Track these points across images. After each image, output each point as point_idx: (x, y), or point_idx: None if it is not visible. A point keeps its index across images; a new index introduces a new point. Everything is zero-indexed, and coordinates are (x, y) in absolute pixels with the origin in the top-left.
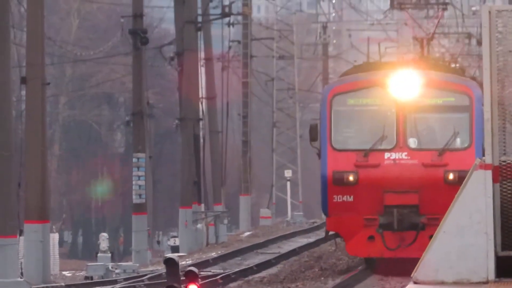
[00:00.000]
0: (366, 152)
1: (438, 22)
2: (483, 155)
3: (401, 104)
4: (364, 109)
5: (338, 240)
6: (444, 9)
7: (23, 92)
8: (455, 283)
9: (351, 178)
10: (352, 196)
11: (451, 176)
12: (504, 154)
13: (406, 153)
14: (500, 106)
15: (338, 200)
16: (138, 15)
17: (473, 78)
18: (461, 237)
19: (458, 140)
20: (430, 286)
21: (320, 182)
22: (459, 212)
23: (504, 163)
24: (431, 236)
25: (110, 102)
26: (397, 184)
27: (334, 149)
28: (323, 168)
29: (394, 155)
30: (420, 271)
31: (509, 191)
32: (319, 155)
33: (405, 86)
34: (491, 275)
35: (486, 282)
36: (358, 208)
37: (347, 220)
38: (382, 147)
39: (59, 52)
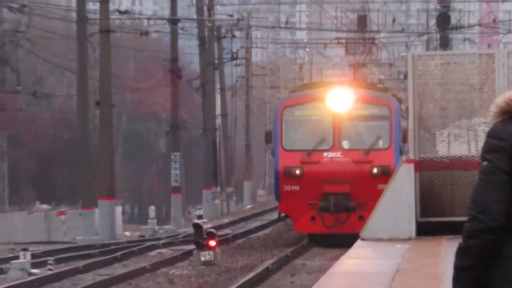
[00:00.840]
0: (309, 152)
1: (366, 53)
2: (400, 153)
3: (336, 114)
4: (307, 118)
5: (288, 220)
6: (372, 43)
7: (97, 112)
8: (389, 239)
9: (297, 172)
10: (298, 186)
11: (375, 170)
12: (421, 153)
13: (340, 152)
14: (419, 120)
15: (288, 189)
16: (174, 59)
17: (393, 95)
18: (393, 209)
19: (380, 142)
20: (372, 241)
21: (274, 175)
22: (392, 192)
23: (421, 159)
24: (360, 217)
25: (156, 118)
26: (333, 176)
27: (284, 149)
28: (276, 164)
29: (331, 154)
30: (365, 232)
31: (424, 177)
32: (273, 154)
33: (339, 100)
34: (413, 234)
35: (409, 239)
36: (303, 195)
37: (294, 204)
38: (322, 148)
39: (121, 83)
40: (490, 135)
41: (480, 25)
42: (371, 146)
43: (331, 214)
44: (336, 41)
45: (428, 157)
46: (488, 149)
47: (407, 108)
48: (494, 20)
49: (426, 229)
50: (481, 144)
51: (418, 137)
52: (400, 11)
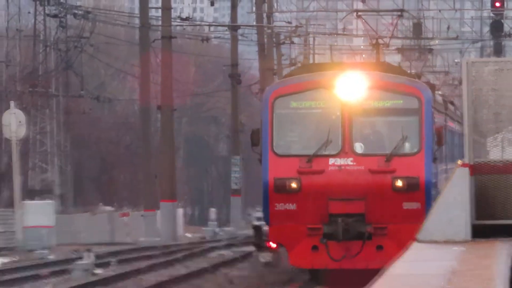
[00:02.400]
0: (310, 158)
1: (394, 28)
2: (433, 160)
3: (347, 107)
4: (308, 112)
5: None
6: (400, 16)
7: (158, 115)
8: (444, 242)
9: (293, 185)
10: (294, 204)
11: (399, 183)
12: (476, 157)
13: (352, 158)
14: (473, 126)
15: (280, 208)
16: (234, 65)
17: (426, 82)
18: (448, 212)
19: (406, 144)
20: (428, 244)
21: (262, 189)
22: (447, 194)
23: (476, 163)
24: (378, 247)
25: (216, 122)
26: (342, 191)
27: (276, 154)
28: (264, 175)
29: (339, 161)
30: (421, 234)
31: (479, 181)
32: (260, 160)
33: (351, 88)
34: (468, 237)
35: (465, 242)
36: (301, 216)
37: (289, 229)
38: (327, 152)
39: (182, 88)
40: None
41: None
42: (394, 150)
43: (339, 243)
44: (393, 47)
45: (483, 161)
46: None
47: (444, 100)
48: None
49: (481, 232)
50: None
51: (473, 142)
52: (454, 18)
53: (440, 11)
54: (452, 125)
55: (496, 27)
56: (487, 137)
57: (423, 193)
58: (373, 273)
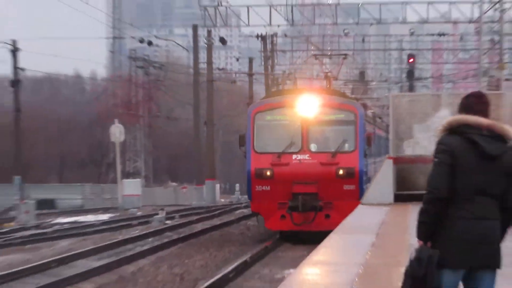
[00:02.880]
0: (279, 154)
1: (341, 66)
2: (365, 156)
3: (305, 119)
4: (278, 123)
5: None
6: (344, 58)
7: (205, 128)
8: (377, 204)
9: (268, 173)
10: (269, 186)
11: (341, 172)
12: (397, 153)
13: (308, 155)
14: (396, 134)
15: (259, 189)
16: (251, 97)
17: (361, 102)
18: (380, 186)
19: (346, 145)
20: (367, 206)
21: (246, 176)
22: (380, 176)
23: (397, 156)
24: (326, 215)
25: (239, 131)
26: (301, 177)
27: (256, 152)
28: (248, 166)
29: (299, 156)
30: (364, 200)
31: (398, 167)
32: (245, 156)
33: (307, 106)
34: (391, 201)
35: (390, 204)
36: (273, 195)
37: (265, 204)
38: (291, 150)
39: (219, 111)
40: (439, 142)
41: (432, 77)
42: (337, 149)
43: (300, 213)
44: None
45: (401, 155)
46: (437, 151)
47: (373, 113)
48: (440, 74)
49: (400, 198)
50: (432, 147)
51: (396, 144)
52: (384, 69)
53: (376, 64)
54: (379, 132)
55: (410, 74)
56: (403, 141)
57: (357, 179)
58: (323, 233)
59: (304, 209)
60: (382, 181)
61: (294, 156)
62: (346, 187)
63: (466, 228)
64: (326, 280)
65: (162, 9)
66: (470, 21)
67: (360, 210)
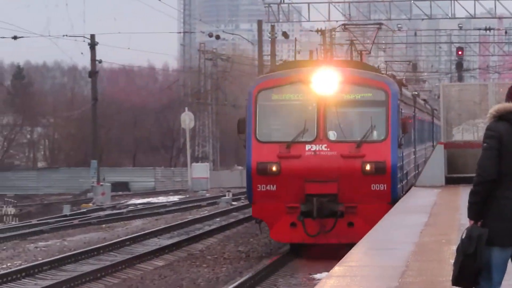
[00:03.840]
0: (288, 144)
1: (375, 37)
2: (399, 146)
3: (322, 99)
4: (287, 104)
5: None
6: (379, 28)
7: None
8: (430, 186)
9: (274, 168)
10: (275, 186)
11: (367, 167)
12: (447, 138)
13: (325, 145)
14: (446, 121)
15: (262, 189)
16: None
17: (395, 79)
18: (432, 169)
19: (375, 133)
20: (420, 187)
21: (246, 172)
22: (432, 160)
23: (447, 142)
24: (349, 223)
25: None
26: (317, 174)
27: (258, 141)
28: (248, 159)
29: (314, 147)
30: (417, 182)
31: (449, 152)
32: (245, 146)
33: (325, 82)
34: (443, 183)
35: (441, 186)
36: (281, 196)
37: (270, 207)
38: (304, 139)
39: None
40: (488, 128)
41: (479, 68)
42: (363, 137)
43: (314, 220)
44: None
45: (451, 141)
46: (486, 136)
47: (413, 94)
48: (487, 66)
49: (450, 181)
50: (481, 134)
51: (446, 130)
52: (435, 61)
53: (427, 56)
54: (421, 116)
55: (458, 66)
56: (453, 127)
57: (389, 176)
58: (345, 247)
59: (321, 215)
60: (434, 165)
61: (307, 147)
62: (375, 186)
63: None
64: (382, 258)
65: (229, 6)
66: None
67: (413, 191)
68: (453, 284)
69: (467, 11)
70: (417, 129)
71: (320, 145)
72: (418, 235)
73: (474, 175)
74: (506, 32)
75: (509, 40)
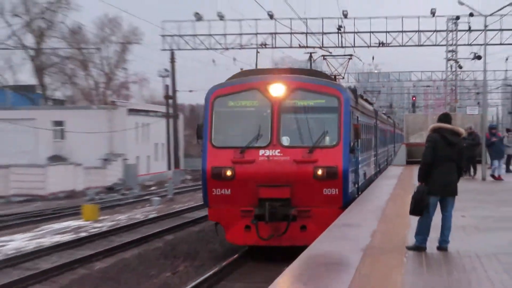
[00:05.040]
0: (243, 149)
1: (347, 67)
2: (352, 151)
3: (276, 106)
4: (242, 110)
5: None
6: (350, 59)
7: None
8: (398, 165)
9: (228, 173)
10: (229, 190)
11: (319, 172)
12: (408, 140)
13: (279, 150)
14: (406, 131)
15: (217, 193)
16: None
17: (349, 88)
18: (399, 157)
19: (327, 138)
20: (393, 166)
21: (201, 176)
22: (399, 152)
23: (407, 143)
24: (302, 227)
25: None
26: (270, 178)
27: (214, 146)
28: (203, 164)
29: (268, 152)
30: (392, 163)
31: (408, 148)
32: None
33: (279, 89)
34: (404, 163)
35: (403, 165)
36: (235, 200)
37: (225, 211)
38: (257, 144)
39: None
40: (428, 136)
41: (423, 106)
42: (315, 143)
43: (268, 223)
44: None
45: (409, 142)
46: (427, 140)
47: (375, 109)
48: (427, 105)
49: (408, 163)
50: (424, 139)
51: (407, 137)
52: (401, 101)
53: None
54: (384, 126)
55: (413, 104)
56: (410, 135)
57: (340, 181)
58: (300, 248)
59: (273, 218)
60: (400, 155)
61: (261, 152)
62: (327, 191)
63: (441, 177)
64: (367, 203)
65: None
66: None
67: (390, 168)
68: (410, 213)
69: (417, 77)
70: (379, 136)
71: (274, 151)
72: (392, 189)
73: (420, 160)
74: (437, 88)
75: (438, 92)
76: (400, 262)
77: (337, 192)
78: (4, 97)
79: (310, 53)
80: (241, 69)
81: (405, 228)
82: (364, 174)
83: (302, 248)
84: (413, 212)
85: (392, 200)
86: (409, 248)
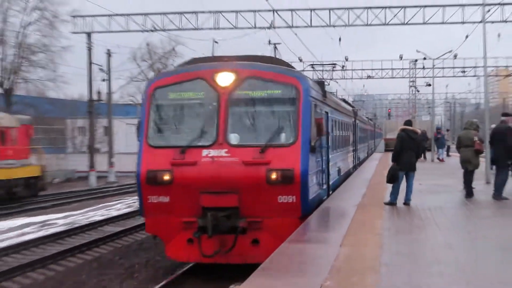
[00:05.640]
0: (183, 149)
1: (332, 75)
2: (312, 150)
3: (224, 98)
4: (185, 103)
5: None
6: (334, 67)
7: None
8: (379, 152)
9: (166, 177)
10: (168, 197)
11: (273, 176)
12: (386, 136)
13: (226, 150)
14: (385, 131)
15: (154, 201)
16: None
17: (316, 80)
18: (380, 147)
19: (283, 135)
20: (376, 152)
21: (136, 181)
22: (380, 144)
23: (385, 138)
24: (253, 241)
25: None
26: (214, 184)
27: (150, 146)
28: (138, 166)
29: (212, 152)
30: (375, 151)
31: (386, 141)
32: None
33: (229, 78)
34: (383, 151)
35: (383, 152)
36: (175, 209)
37: (164, 222)
38: (201, 143)
39: None
40: (398, 133)
41: (396, 115)
42: (269, 141)
43: (211, 237)
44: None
45: (386, 138)
46: (397, 137)
47: (354, 109)
48: (397, 115)
49: (386, 151)
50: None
51: (385, 133)
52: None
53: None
54: (363, 126)
55: (388, 115)
56: (387, 132)
57: (298, 186)
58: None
59: (218, 231)
60: (380, 146)
61: (205, 152)
62: (282, 198)
63: (406, 159)
64: (359, 176)
65: None
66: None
67: (374, 154)
68: (387, 182)
69: (391, 97)
70: (359, 133)
71: (219, 150)
72: (375, 167)
73: (393, 148)
74: (404, 104)
75: (404, 107)
76: (380, 212)
77: (294, 200)
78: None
79: (274, 44)
80: (193, 58)
81: (383, 191)
82: (338, 171)
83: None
84: (388, 181)
85: (375, 175)
86: (386, 204)
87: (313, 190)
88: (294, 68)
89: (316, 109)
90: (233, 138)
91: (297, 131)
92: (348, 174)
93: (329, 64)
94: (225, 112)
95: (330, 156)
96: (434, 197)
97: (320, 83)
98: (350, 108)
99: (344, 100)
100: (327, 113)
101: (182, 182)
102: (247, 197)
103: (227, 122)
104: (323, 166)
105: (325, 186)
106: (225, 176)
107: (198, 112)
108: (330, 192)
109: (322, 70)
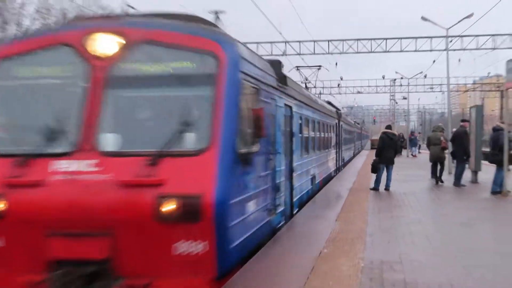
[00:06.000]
0: (25, 160)
1: (317, 76)
2: (243, 161)
3: (98, 75)
4: (36, 84)
5: None
6: (319, 69)
7: None
8: (366, 150)
9: None
10: (3, 239)
11: (168, 206)
12: (371, 137)
13: (95, 161)
14: (371, 133)
15: None
16: None
17: (269, 60)
18: (367, 146)
19: (188, 137)
20: (363, 150)
21: None
22: (367, 144)
23: (371, 139)
24: None
25: None
26: (71, 220)
27: None
28: None
29: (71, 166)
30: (363, 149)
31: (372, 141)
32: None
33: (108, 44)
34: (369, 149)
35: (369, 150)
36: (8, 260)
37: None
38: (52, 150)
39: None
40: (380, 135)
41: (380, 121)
42: (165, 146)
43: None
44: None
45: (372, 138)
46: (380, 137)
47: (337, 111)
48: (382, 121)
49: (372, 149)
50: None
51: (372, 135)
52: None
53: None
54: (349, 128)
55: (373, 121)
56: (373, 135)
57: (210, 224)
58: None
59: None
60: (367, 145)
61: (57, 165)
62: (182, 246)
63: (386, 155)
64: (351, 169)
65: None
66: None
67: (363, 151)
68: (371, 172)
69: (376, 107)
70: (343, 135)
71: (83, 162)
72: (363, 161)
73: (376, 147)
74: (386, 113)
75: (386, 115)
76: (366, 195)
77: (203, 249)
78: None
79: (216, 12)
80: (75, 16)
81: (369, 179)
82: (312, 179)
83: None
84: (372, 172)
85: (362, 167)
86: (371, 189)
87: (245, 227)
88: (218, 28)
89: (258, 97)
90: (108, 142)
91: (213, 129)
92: (329, 178)
93: (314, 66)
94: (97, 98)
95: (296, 163)
96: (408, 184)
97: (275, 63)
98: (333, 109)
99: (328, 102)
100: (289, 107)
101: (19, 216)
102: (125, 243)
103: (99, 115)
104: (279, 180)
105: (281, 208)
106: (90, 207)
107: (55, 98)
108: (295, 211)
109: (310, 69)
